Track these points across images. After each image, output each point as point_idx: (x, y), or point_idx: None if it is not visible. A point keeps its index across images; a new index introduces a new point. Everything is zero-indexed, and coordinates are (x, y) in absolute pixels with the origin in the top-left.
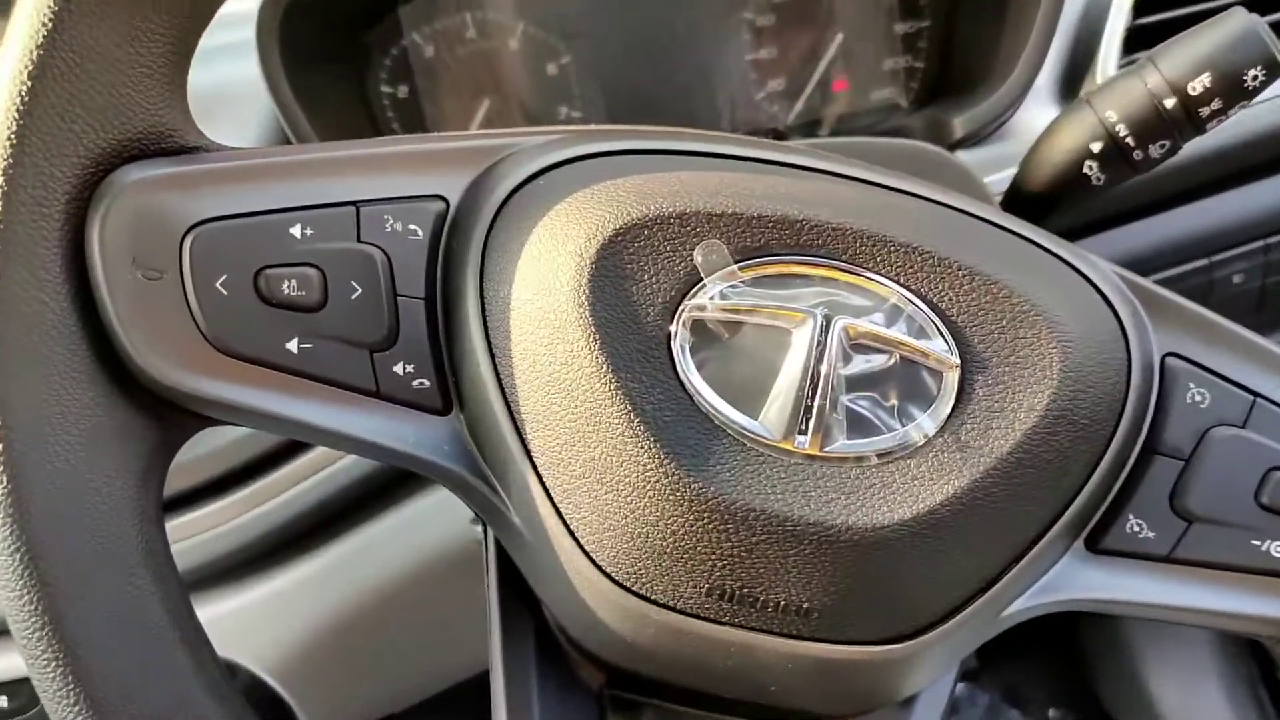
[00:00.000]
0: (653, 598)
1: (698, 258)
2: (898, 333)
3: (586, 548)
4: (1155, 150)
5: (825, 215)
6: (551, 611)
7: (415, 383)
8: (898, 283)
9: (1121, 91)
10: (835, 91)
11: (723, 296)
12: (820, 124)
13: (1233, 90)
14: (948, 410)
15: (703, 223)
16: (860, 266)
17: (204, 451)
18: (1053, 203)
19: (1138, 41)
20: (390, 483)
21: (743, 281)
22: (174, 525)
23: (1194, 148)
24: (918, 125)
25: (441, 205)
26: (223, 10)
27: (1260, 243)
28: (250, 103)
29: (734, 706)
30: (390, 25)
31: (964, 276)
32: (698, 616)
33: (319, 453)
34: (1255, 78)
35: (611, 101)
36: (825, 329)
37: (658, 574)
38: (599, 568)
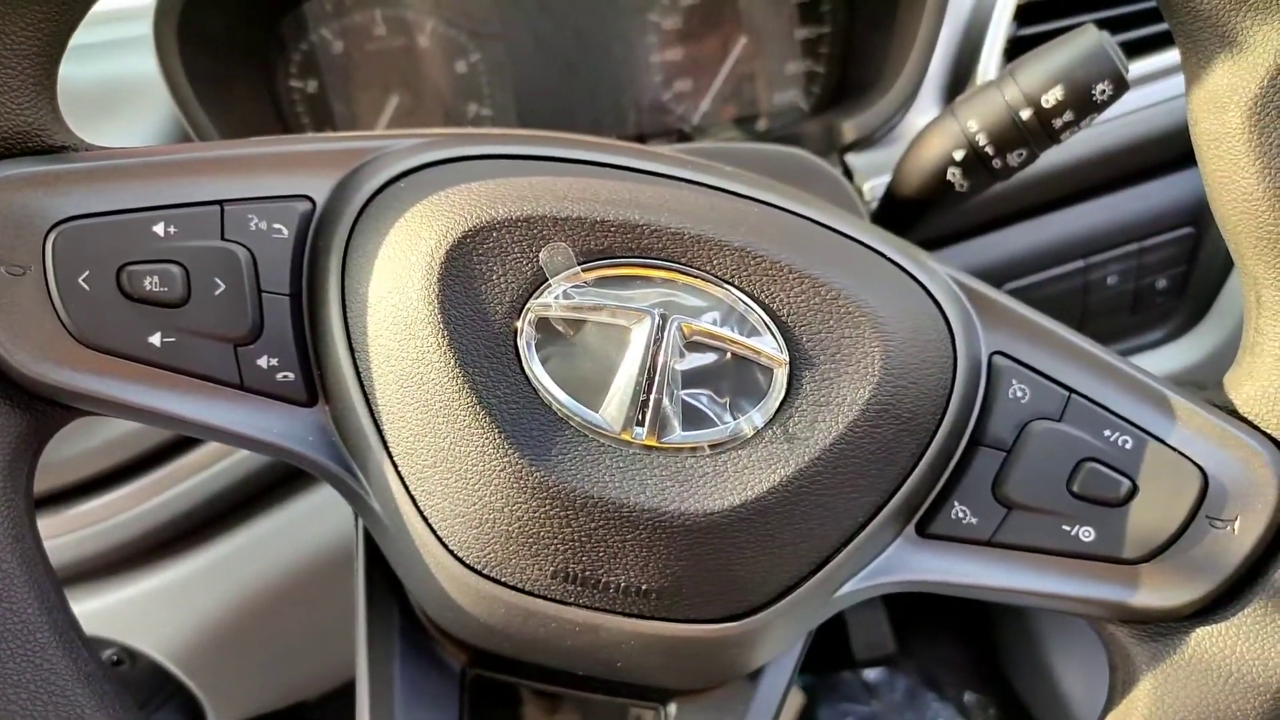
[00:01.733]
0: (502, 580)
1: (543, 259)
2: (730, 331)
3: (440, 533)
4: (1013, 159)
5: (665, 220)
6: (412, 594)
7: (280, 376)
8: (732, 284)
9: (982, 102)
10: (739, 94)
11: (566, 296)
12: (725, 125)
13: (1083, 103)
14: (777, 405)
15: (549, 226)
16: (697, 269)
17: (101, 443)
18: (922, 208)
19: (1020, 51)
20: (288, 476)
21: (586, 282)
22: (72, 514)
23: (1069, 155)
24: (814, 129)
25: (308, 205)
26: (128, 3)
27: (1134, 246)
28: (152, 99)
29: (589, 683)
30: (298, 19)
31: (794, 279)
32: (544, 598)
33: (216, 445)
34: (1103, 92)
35: (521, 101)
36: (662, 327)
37: (505, 557)
38: (451, 552)
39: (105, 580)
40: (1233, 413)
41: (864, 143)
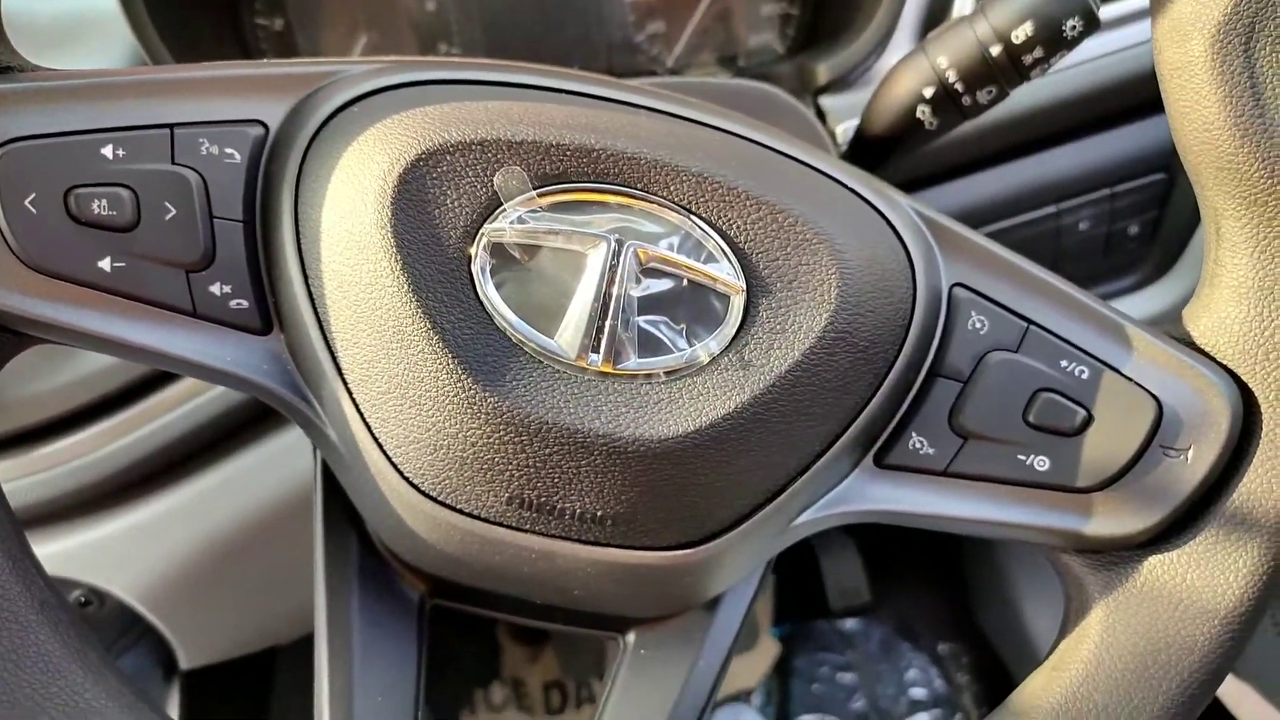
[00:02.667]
0: (457, 506)
1: (498, 183)
2: (687, 258)
3: (395, 460)
4: (983, 96)
5: (622, 145)
6: (369, 522)
7: (233, 303)
8: (689, 210)
9: (952, 39)
10: (714, 36)
11: (521, 221)
12: (699, 67)
13: (1053, 40)
14: (733, 332)
15: (503, 150)
16: (654, 194)
17: (67, 382)
18: (892, 146)
19: None
20: (260, 415)
21: (541, 207)
22: (39, 455)
23: (1042, 98)
24: (787, 71)
25: (260, 130)
26: None
27: (1106, 191)
28: (113, 34)
29: (548, 613)
30: None
31: (751, 205)
32: (500, 524)
33: (189, 383)
34: (1074, 28)
35: (491, 40)
36: (618, 253)
37: (460, 484)
38: (406, 478)
39: (73, 521)
40: (1190, 344)
41: (838, 85)
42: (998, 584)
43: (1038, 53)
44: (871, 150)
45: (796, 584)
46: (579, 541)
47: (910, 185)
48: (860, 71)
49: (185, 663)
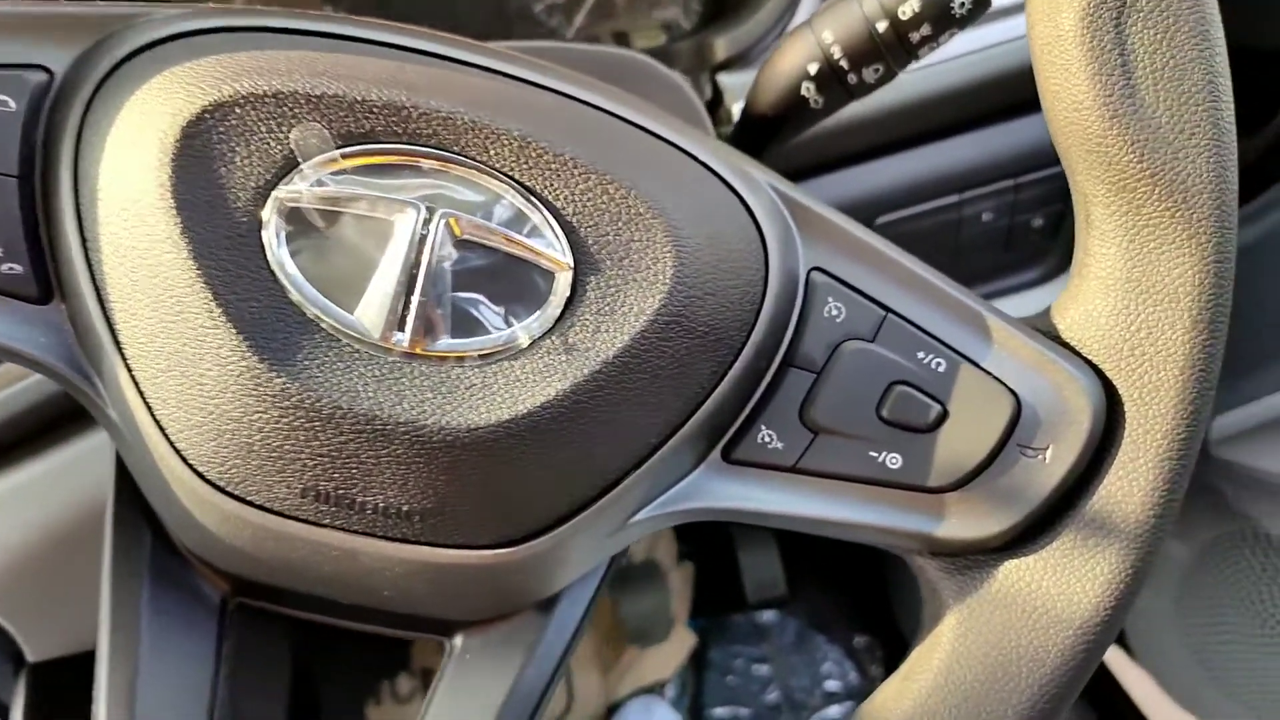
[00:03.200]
0: (247, 498)
1: (294, 141)
2: (508, 230)
3: (177, 445)
4: (869, 75)
5: (437, 103)
6: (159, 514)
7: (5, 267)
8: (510, 178)
9: (838, 14)
10: (616, 9)
11: (320, 184)
12: (601, 41)
13: (941, 17)
14: (557, 313)
15: (302, 104)
16: (472, 159)
17: None
18: (778, 125)
19: None
20: None
21: (344, 169)
22: None
23: (944, 84)
24: (686, 47)
25: (43, 77)
26: None
27: (1010, 182)
28: None
29: (368, 614)
30: None
31: (580, 174)
32: (295, 518)
33: (9, 367)
34: (963, 6)
35: (382, 5)
36: (428, 222)
37: (248, 473)
38: (191, 466)
39: None
40: (1056, 338)
41: (737, 61)
42: (915, 581)
43: (925, 30)
44: (758, 130)
45: (713, 577)
46: (384, 539)
47: (809, 171)
48: (761, 49)
49: (31, 655)
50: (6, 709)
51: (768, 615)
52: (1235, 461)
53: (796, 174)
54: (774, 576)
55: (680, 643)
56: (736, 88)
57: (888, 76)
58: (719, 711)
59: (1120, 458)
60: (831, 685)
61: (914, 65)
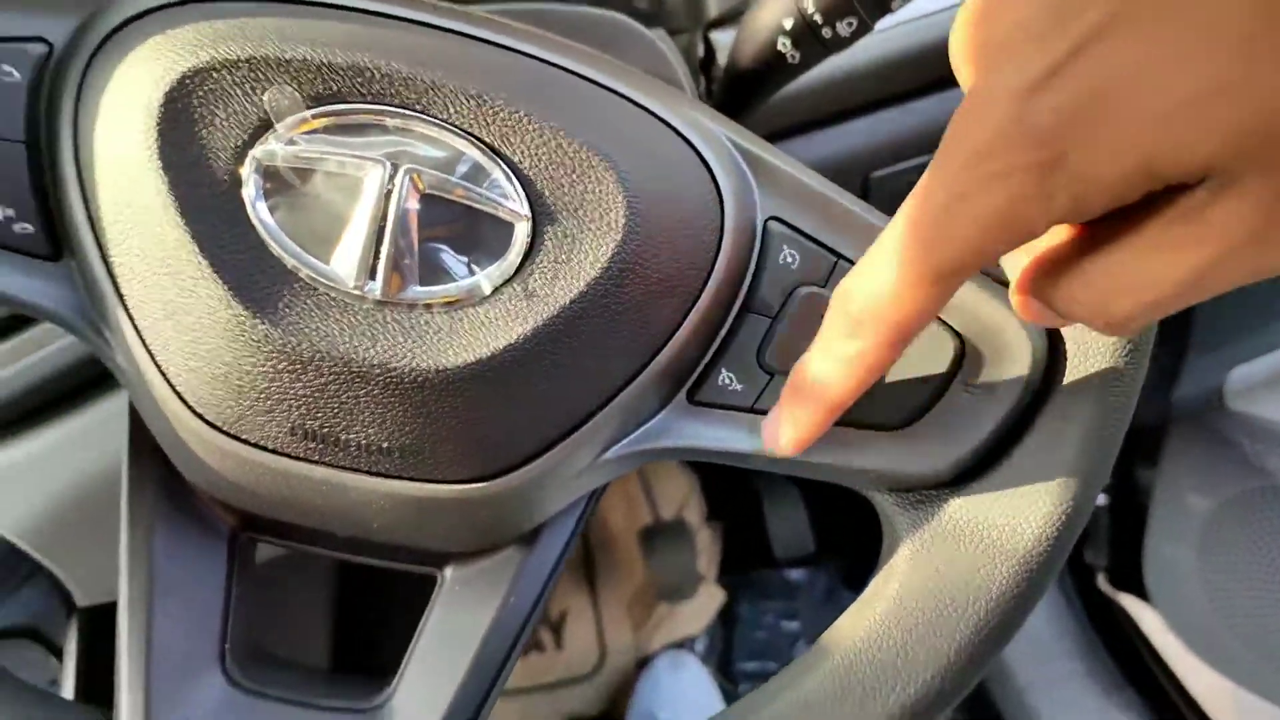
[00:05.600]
0: (242, 437)
1: (267, 103)
2: (468, 184)
3: (179, 389)
4: (843, 28)
5: (399, 64)
6: (168, 453)
7: (18, 227)
8: (469, 134)
9: None
10: None
11: (292, 143)
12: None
13: None
14: (517, 261)
15: (273, 68)
16: (434, 117)
17: None
18: (758, 81)
19: None
20: None
21: (315, 130)
22: None
23: (936, 36)
24: (680, 4)
25: (43, 48)
26: None
27: None
28: None
29: (365, 547)
30: None
31: (535, 130)
32: (286, 455)
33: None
34: None
35: None
36: (393, 177)
37: (241, 413)
38: (191, 408)
39: None
40: (999, 279)
41: (730, 18)
42: None
43: None
44: (740, 87)
45: (742, 533)
46: (368, 473)
47: (804, 127)
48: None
49: (81, 599)
50: (60, 651)
51: (797, 572)
52: (1252, 414)
53: (791, 130)
54: (802, 534)
55: (709, 599)
56: (729, 44)
57: (862, 29)
58: (748, 665)
59: (1060, 394)
60: None
61: (893, 19)
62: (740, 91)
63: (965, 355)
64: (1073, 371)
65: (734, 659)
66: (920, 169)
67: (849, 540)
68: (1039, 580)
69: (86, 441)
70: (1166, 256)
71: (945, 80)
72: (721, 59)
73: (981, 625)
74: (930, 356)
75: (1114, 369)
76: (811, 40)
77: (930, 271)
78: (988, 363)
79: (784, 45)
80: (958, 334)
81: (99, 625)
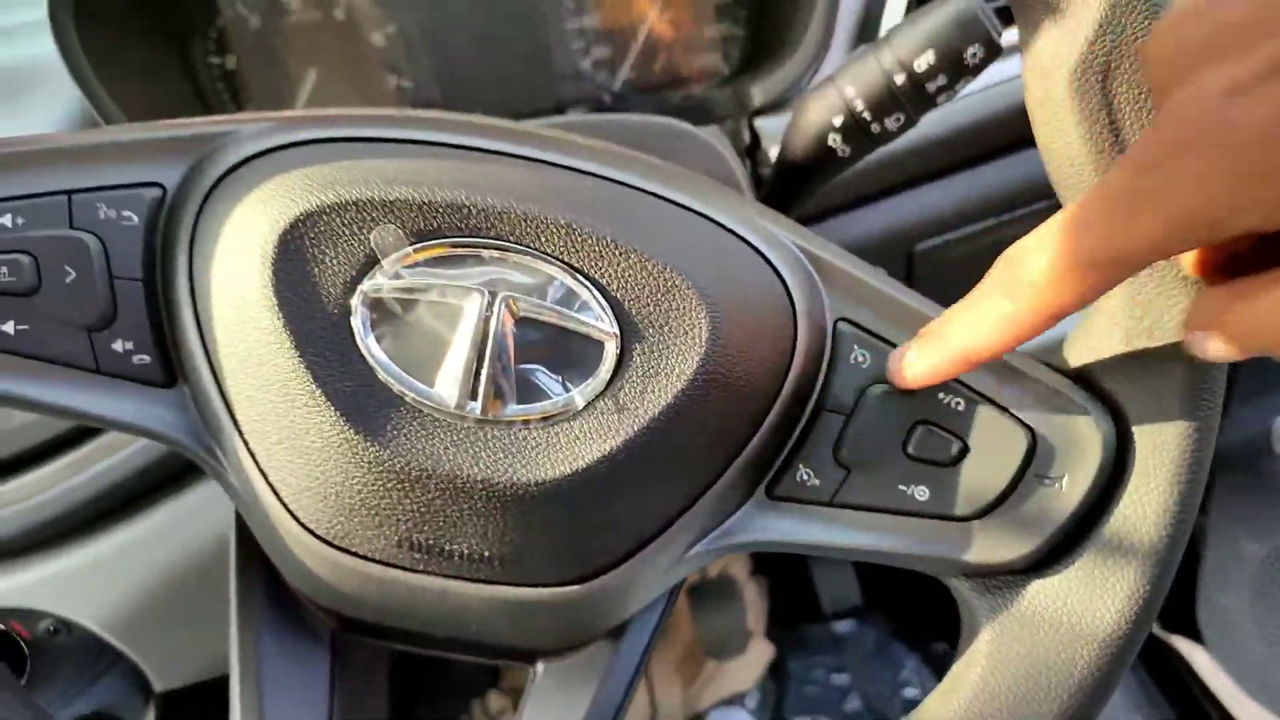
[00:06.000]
0: (351, 550)
1: (374, 241)
2: (559, 307)
3: (290, 507)
4: (891, 123)
5: (492, 199)
6: (276, 563)
7: (136, 359)
8: (560, 260)
9: (859, 69)
10: (658, 60)
11: (397, 276)
12: (645, 92)
13: (955, 67)
14: (607, 377)
15: (378, 209)
16: (525, 245)
17: (27, 420)
18: (811, 173)
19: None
20: None
21: (417, 262)
22: (2, 491)
23: (978, 113)
24: (724, 95)
25: (158, 192)
26: None
27: (1045, 203)
28: (62, 83)
29: (458, 645)
30: None
31: (620, 253)
32: (393, 566)
33: None
34: (975, 55)
35: (440, 72)
36: (491, 304)
37: (352, 529)
38: (303, 524)
39: (37, 555)
40: (1068, 372)
41: (773, 107)
42: None
43: (941, 80)
44: (792, 178)
45: (788, 587)
46: (470, 580)
47: (850, 204)
48: (795, 92)
49: (159, 685)
50: None
51: (845, 625)
52: None
53: (838, 208)
54: (848, 587)
55: (758, 654)
56: (773, 131)
57: (909, 124)
58: None
59: (1133, 483)
60: (910, 693)
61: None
62: (793, 183)
63: (1037, 447)
64: (1144, 458)
65: (786, 714)
66: (963, 240)
67: (896, 592)
68: (1121, 661)
69: (161, 537)
70: None
71: (981, 156)
72: (766, 145)
73: (1065, 710)
74: (1003, 449)
75: (1182, 455)
76: (860, 135)
77: (1105, 258)
78: (1059, 453)
79: (834, 141)
80: (1029, 427)
81: (175, 709)
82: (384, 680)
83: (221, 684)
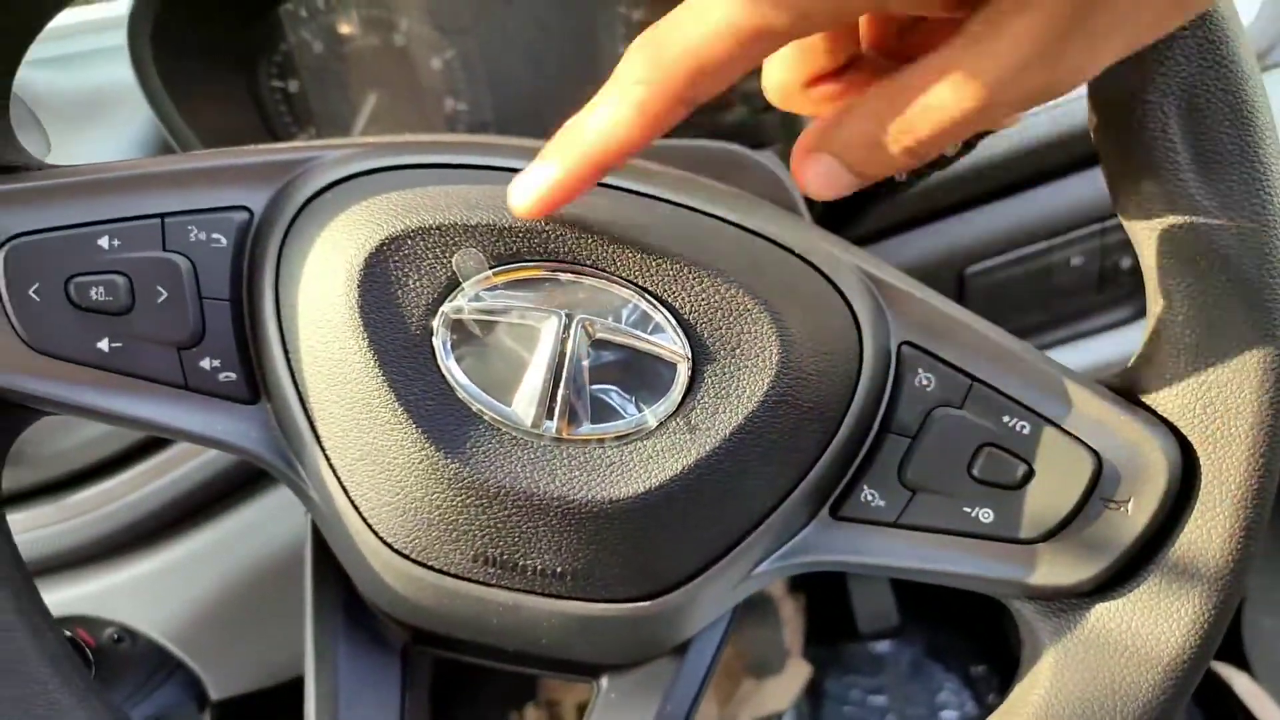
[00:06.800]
0: (428, 564)
1: (455, 264)
2: (633, 329)
3: (369, 521)
4: (949, 149)
5: (570, 225)
6: (352, 576)
7: (222, 376)
8: (634, 284)
9: None
10: None
11: (477, 299)
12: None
13: None
14: (679, 398)
15: (460, 233)
16: (602, 270)
17: (95, 435)
18: (866, 198)
19: None
20: None
21: (496, 285)
22: (69, 503)
23: (1030, 138)
24: (774, 117)
25: (245, 215)
26: (105, 13)
27: (1096, 226)
28: (134, 107)
29: (525, 658)
30: (275, 22)
31: (694, 277)
32: (468, 579)
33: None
34: None
35: (496, 96)
36: (568, 327)
37: (429, 543)
38: (381, 538)
39: (102, 565)
40: (1132, 397)
41: None
42: None
43: None
44: (849, 202)
45: (826, 607)
46: (542, 595)
47: (901, 226)
48: None
49: (215, 694)
50: None
51: (883, 645)
52: None
53: (889, 230)
54: (886, 607)
55: (796, 673)
56: None
57: (968, 148)
58: None
59: (1198, 507)
60: (948, 715)
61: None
62: (848, 206)
63: (1102, 471)
64: (1208, 485)
65: None
66: (1014, 264)
67: (934, 612)
68: (1185, 687)
69: (223, 548)
70: (961, 75)
71: (1033, 180)
72: None
73: None
74: (1068, 473)
75: (1247, 481)
76: None
77: (751, 28)
78: (1124, 478)
79: None
80: (1094, 451)
81: (229, 717)
82: (426, 690)
83: (274, 693)
